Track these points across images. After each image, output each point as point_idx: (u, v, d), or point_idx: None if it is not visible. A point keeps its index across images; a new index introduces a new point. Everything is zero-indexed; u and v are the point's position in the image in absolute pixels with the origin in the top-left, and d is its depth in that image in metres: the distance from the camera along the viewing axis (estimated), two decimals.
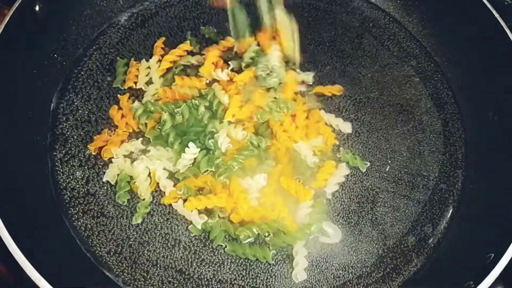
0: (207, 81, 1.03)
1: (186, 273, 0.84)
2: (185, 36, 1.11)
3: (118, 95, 1.01)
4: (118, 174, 0.91)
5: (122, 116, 0.98)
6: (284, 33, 1.00)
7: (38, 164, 0.92)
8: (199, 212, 0.88)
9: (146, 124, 0.96)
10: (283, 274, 0.85)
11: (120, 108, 0.99)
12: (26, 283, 0.70)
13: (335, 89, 1.04)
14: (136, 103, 0.98)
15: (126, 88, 1.02)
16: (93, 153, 0.94)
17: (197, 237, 0.87)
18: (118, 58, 1.07)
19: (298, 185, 0.90)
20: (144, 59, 1.06)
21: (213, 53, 1.05)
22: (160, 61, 1.05)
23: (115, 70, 1.05)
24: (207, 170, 0.92)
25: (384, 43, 1.15)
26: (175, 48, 1.06)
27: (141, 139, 0.94)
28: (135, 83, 1.03)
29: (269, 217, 0.87)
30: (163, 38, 1.09)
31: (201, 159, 0.91)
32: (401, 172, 0.96)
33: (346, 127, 1.00)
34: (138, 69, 1.04)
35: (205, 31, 1.11)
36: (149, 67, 1.05)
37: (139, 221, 0.88)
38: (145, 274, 0.84)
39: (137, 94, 1.02)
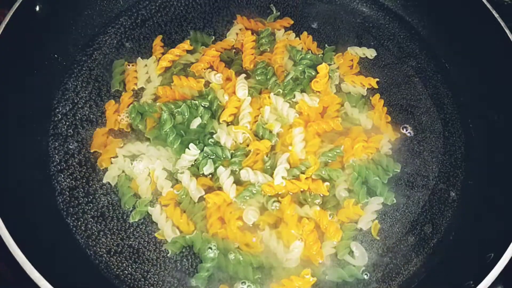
0: (205, 82, 1.03)
1: (187, 272, 0.84)
2: (184, 35, 1.11)
3: (123, 92, 1.01)
4: (117, 181, 0.91)
5: (115, 111, 0.99)
6: None
7: (38, 164, 0.92)
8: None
9: (144, 124, 0.96)
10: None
11: (116, 103, 1.00)
12: (26, 283, 0.70)
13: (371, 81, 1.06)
14: (131, 106, 0.97)
15: (127, 91, 1.02)
16: (93, 153, 0.94)
17: None
18: (114, 59, 1.07)
19: (330, 223, 0.87)
20: (139, 57, 1.06)
21: (209, 53, 1.05)
22: (159, 59, 1.05)
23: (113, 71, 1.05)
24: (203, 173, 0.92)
25: (384, 43, 1.15)
26: (174, 47, 1.06)
27: (147, 143, 0.94)
28: (135, 84, 1.03)
29: (255, 248, 0.85)
30: (160, 36, 1.09)
31: (202, 159, 0.91)
32: (401, 172, 0.96)
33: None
34: (135, 71, 1.04)
35: (195, 36, 1.11)
36: (146, 65, 1.05)
37: (136, 219, 0.88)
38: (145, 274, 0.84)
39: (137, 94, 1.02)
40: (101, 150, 0.94)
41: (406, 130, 1.01)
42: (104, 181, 0.91)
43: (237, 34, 1.10)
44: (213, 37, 1.11)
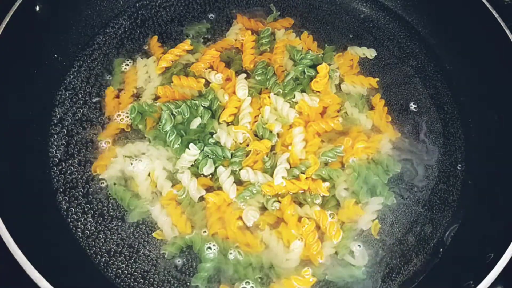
0: (205, 82, 1.03)
1: (187, 272, 0.84)
2: (184, 35, 1.11)
3: (122, 93, 1.01)
4: (111, 189, 0.91)
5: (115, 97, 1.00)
6: None
7: (38, 164, 0.92)
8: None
9: (144, 124, 0.97)
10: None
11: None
12: (26, 283, 0.70)
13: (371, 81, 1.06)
14: (131, 106, 0.97)
15: (127, 91, 1.02)
16: (93, 153, 0.94)
17: None
18: (114, 59, 1.07)
19: (330, 223, 0.87)
20: (139, 57, 1.06)
21: (209, 53, 1.05)
22: (159, 59, 1.05)
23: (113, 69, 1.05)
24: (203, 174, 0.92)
25: (384, 43, 1.15)
26: (174, 47, 1.06)
27: (147, 143, 0.94)
28: (135, 87, 1.03)
29: (255, 248, 0.85)
30: (156, 37, 1.09)
31: (202, 159, 0.91)
32: (401, 172, 0.96)
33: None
34: (135, 73, 1.04)
35: (192, 28, 1.11)
36: (146, 65, 1.05)
37: (135, 219, 0.88)
38: (145, 274, 0.84)
39: (137, 94, 1.02)
40: (109, 137, 0.95)
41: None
42: (102, 176, 0.91)
43: (236, 33, 1.10)
44: (208, 24, 1.12)
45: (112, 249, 0.86)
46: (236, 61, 1.06)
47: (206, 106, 0.97)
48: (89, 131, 0.97)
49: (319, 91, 1.02)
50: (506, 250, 0.75)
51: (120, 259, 0.85)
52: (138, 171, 0.91)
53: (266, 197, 0.89)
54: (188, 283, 0.83)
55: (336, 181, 0.91)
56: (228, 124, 0.97)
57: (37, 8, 0.97)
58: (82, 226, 0.88)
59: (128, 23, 1.13)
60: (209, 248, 0.84)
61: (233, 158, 0.92)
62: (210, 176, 0.92)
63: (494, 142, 0.97)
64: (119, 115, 0.98)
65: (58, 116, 0.99)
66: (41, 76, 0.98)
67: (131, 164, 0.92)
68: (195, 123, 0.95)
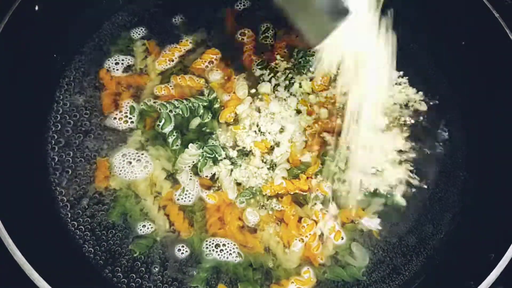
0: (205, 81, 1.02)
1: (186, 274, 0.84)
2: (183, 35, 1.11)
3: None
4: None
5: (111, 78, 1.02)
6: None
7: (38, 165, 0.92)
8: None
9: (144, 124, 0.97)
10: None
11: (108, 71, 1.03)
12: (25, 284, 0.70)
13: None
14: (130, 106, 0.97)
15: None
16: (92, 153, 0.94)
17: None
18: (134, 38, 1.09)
19: (332, 226, 0.87)
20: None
21: (209, 51, 1.05)
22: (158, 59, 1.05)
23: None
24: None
25: None
26: (174, 46, 1.07)
27: (146, 143, 0.94)
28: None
29: (254, 248, 0.85)
30: (154, 42, 1.09)
31: (202, 159, 0.91)
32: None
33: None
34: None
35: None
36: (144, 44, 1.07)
37: (134, 220, 0.88)
38: (145, 276, 0.84)
39: (137, 94, 1.02)
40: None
41: None
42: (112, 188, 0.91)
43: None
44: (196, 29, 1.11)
45: (111, 250, 0.86)
46: (236, 60, 1.06)
47: (206, 106, 0.97)
48: (89, 131, 0.97)
49: (319, 91, 1.02)
50: (507, 251, 0.75)
51: (120, 259, 0.85)
52: (137, 171, 0.91)
53: (266, 197, 0.89)
54: (187, 284, 0.83)
55: (336, 181, 0.91)
56: (228, 124, 0.97)
57: (37, 8, 0.97)
58: (81, 227, 0.87)
59: (128, 22, 1.13)
60: (208, 248, 0.84)
61: (233, 158, 0.92)
62: (210, 176, 0.92)
63: (495, 142, 0.97)
64: (117, 114, 0.98)
65: (58, 116, 0.98)
66: (41, 76, 0.98)
67: (130, 164, 0.91)
68: (195, 123, 0.95)
